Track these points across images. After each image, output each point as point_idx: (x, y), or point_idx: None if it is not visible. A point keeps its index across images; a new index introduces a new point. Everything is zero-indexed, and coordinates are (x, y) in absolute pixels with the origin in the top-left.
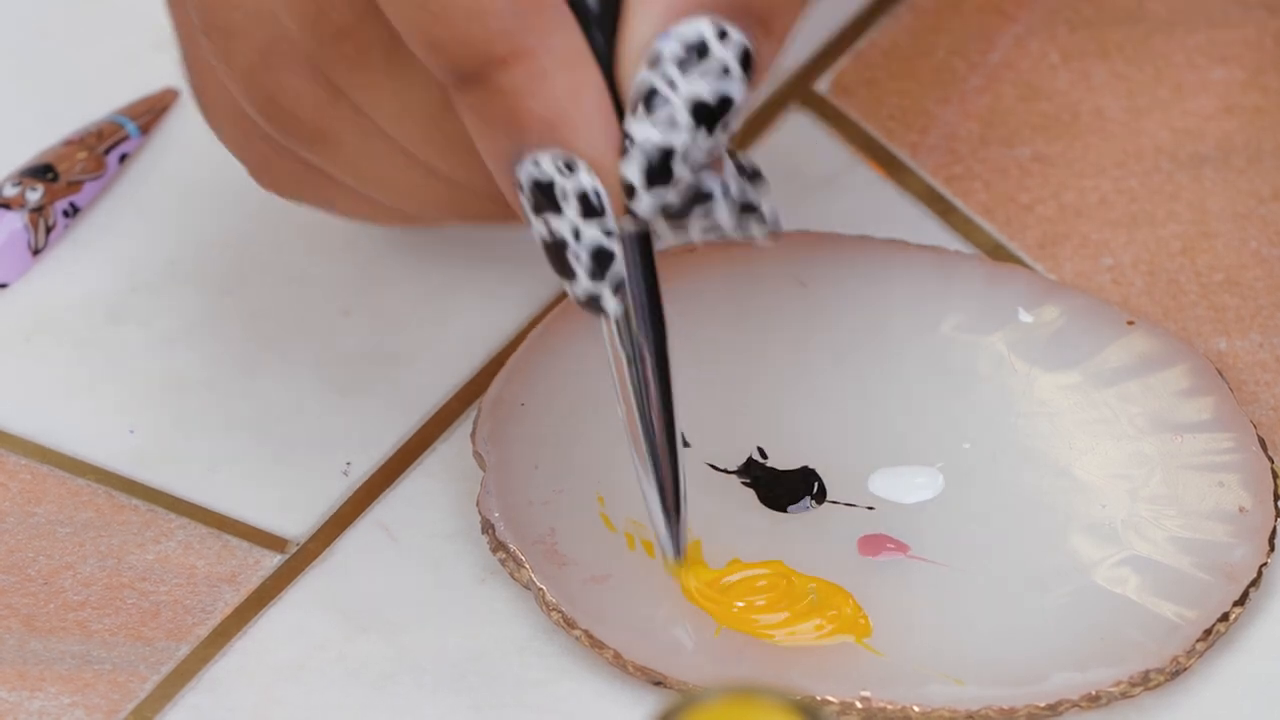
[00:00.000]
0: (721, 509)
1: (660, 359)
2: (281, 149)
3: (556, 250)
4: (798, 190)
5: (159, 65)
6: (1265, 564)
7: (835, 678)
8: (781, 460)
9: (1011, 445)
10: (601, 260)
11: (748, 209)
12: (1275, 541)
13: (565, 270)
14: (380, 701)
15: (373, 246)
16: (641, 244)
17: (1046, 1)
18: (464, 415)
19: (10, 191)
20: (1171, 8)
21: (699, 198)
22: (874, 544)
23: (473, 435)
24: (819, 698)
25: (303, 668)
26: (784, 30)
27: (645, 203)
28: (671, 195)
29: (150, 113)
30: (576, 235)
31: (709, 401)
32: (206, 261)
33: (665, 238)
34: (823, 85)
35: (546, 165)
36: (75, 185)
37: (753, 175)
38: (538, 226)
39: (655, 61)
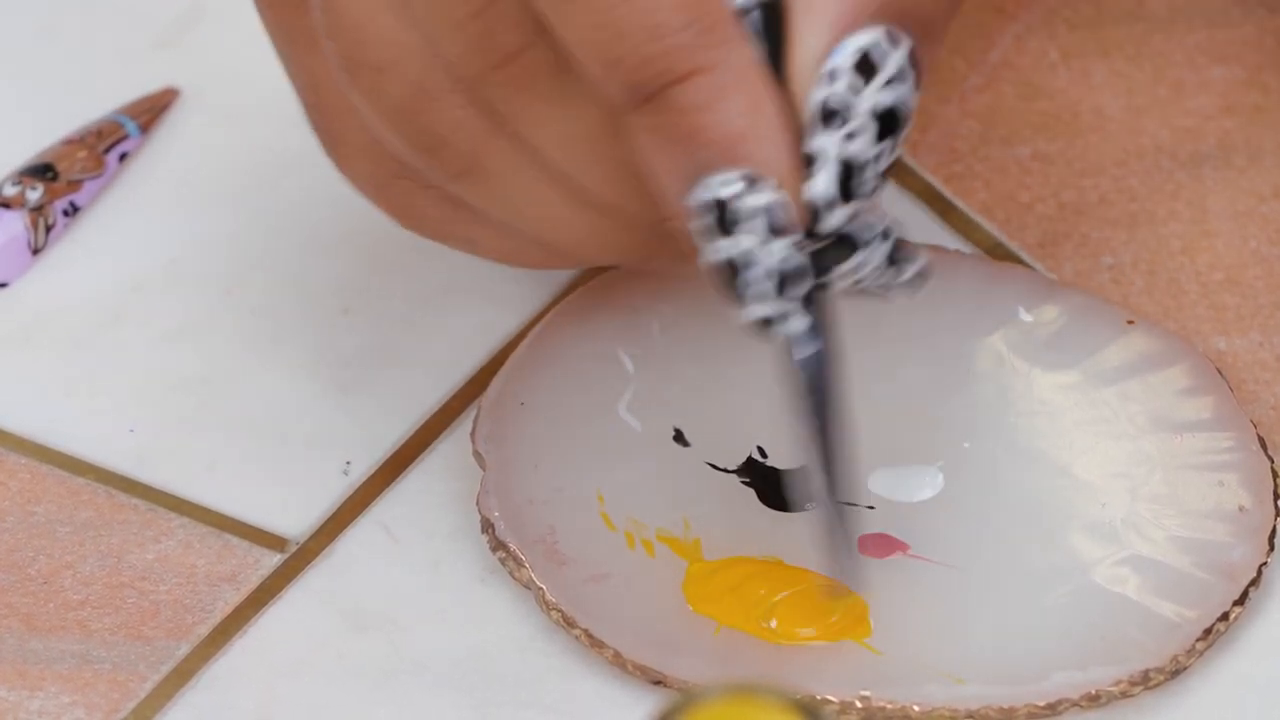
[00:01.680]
0: (721, 508)
1: (838, 380)
2: (426, 187)
3: (734, 273)
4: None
5: (159, 64)
6: (1265, 563)
7: (835, 677)
8: (781, 459)
9: (1011, 444)
10: (788, 278)
11: (893, 261)
12: (1275, 541)
13: (739, 295)
14: (380, 700)
15: (373, 246)
16: (817, 265)
17: (1046, 0)
18: (464, 414)
19: (10, 191)
20: (1171, 6)
21: (845, 244)
22: (874, 543)
23: (473, 434)
24: (818, 697)
25: (303, 667)
26: (942, 33)
27: (836, 218)
28: (858, 210)
29: (150, 112)
30: (760, 255)
31: (709, 401)
32: (206, 261)
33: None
34: None
35: (728, 184)
36: (75, 184)
37: (897, 232)
38: (716, 250)
39: (833, 75)
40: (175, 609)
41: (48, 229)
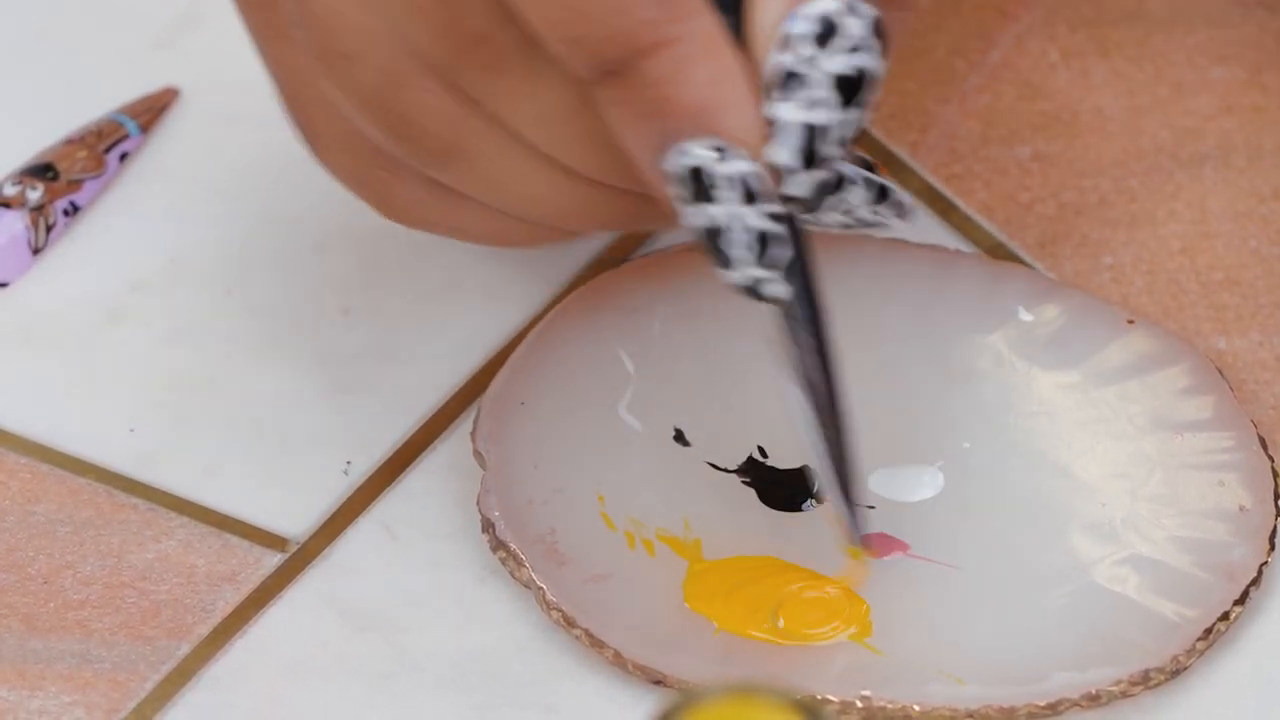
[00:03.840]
0: (721, 508)
1: (827, 341)
2: (406, 175)
3: (716, 239)
4: None
5: (159, 64)
6: (1265, 563)
7: (835, 677)
8: (782, 459)
9: (1011, 444)
10: (766, 244)
11: (881, 195)
12: (1275, 540)
13: (725, 259)
14: (380, 700)
15: (373, 245)
16: (793, 228)
17: (1046, 0)
18: (464, 414)
19: (10, 191)
20: (1171, 7)
21: (833, 185)
22: (874, 543)
23: (473, 434)
24: (819, 697)
25: (303, 667)
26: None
27: (800, 183)
28: (824, 174)
29: (150, 111)
30: (738, 221)
31: (710, 400)
32: (207, 260)
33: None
34: None
35: (699, 152)
36: (75, 184)
37: (872, 166)
38: (695, 217)
39: (788, 42)
40: (175, 609)
41: (48, 229)
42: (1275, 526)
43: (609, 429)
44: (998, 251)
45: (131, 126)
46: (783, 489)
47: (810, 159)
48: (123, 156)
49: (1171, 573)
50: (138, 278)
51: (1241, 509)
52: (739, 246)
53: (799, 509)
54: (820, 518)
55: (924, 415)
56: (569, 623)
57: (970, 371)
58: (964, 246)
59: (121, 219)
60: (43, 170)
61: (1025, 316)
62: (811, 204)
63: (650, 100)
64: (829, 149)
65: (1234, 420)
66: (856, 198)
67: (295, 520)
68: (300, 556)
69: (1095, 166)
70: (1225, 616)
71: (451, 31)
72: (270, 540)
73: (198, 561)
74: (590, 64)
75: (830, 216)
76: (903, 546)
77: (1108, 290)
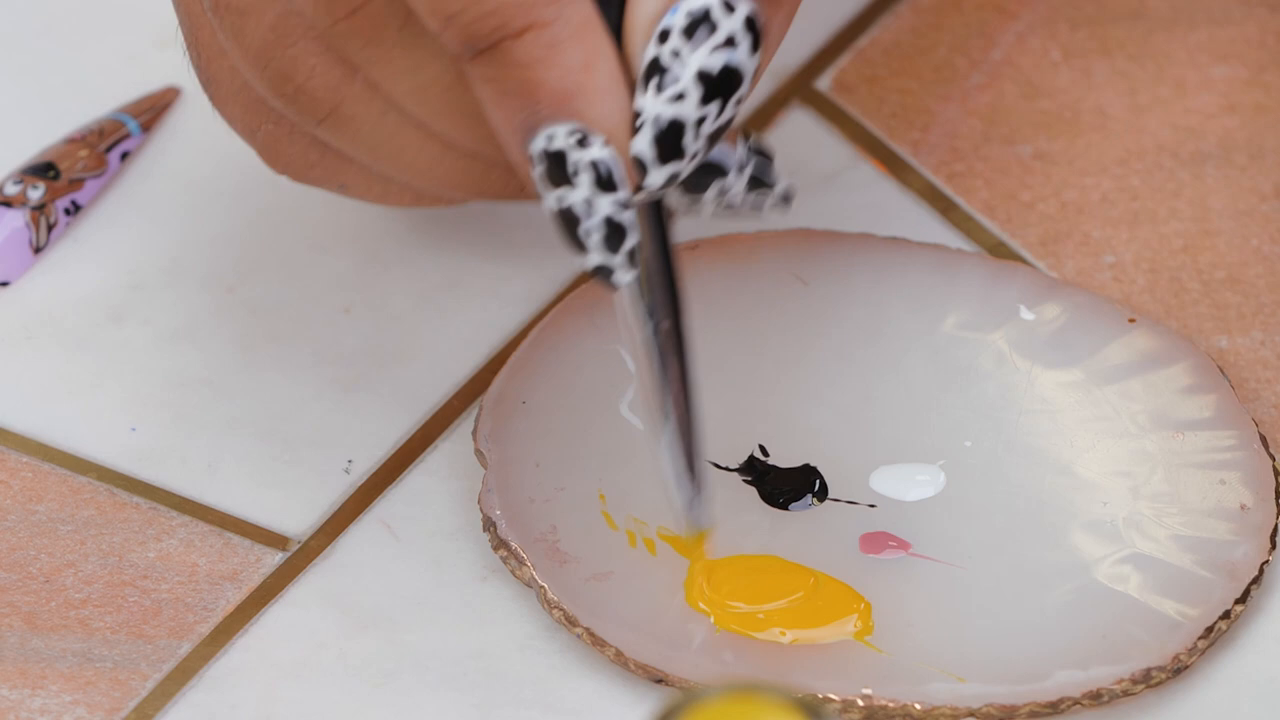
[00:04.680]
0: (723, 507)
1: (677, 330)
2: (293, 130)
3: (568, 223)
4: (799, 188)
5: (160, 63)
6: (1267, 562)
7: (837, 675)
8: (783, 458)
9: (1013, 443)
10: (616, 233)
11: (759, 184)
12: (1277, 539)
13: (576, 243)
14: (381, 699)
15: (374, 244)
16: (655, 215)
17: None
18: (465, 413)
19: (12, 189)
20: (1173, 5)
21: (712, 171)
22: (875, 542)
23: (474, 433)
24: (820, 695)
25: (304, 665)
26: (791, 1)
27: (656, 177)
28: (683, 168)
29: (152, 110)
30: (590, 208)
31: (710, 399)
32: (208, 259)
33: (677, 211)
34: (824, 83)
35: (560, 138)
36: (77, 183)
37: (764, 154)
38: (550, 200)
39: (664, 35)
40: (177, 608)
41: (49, 228)
42: (1276, 525)
43: (610, 428)
44: (999, 250)
45: (133, 125)
46: (784, 487)
47: (669, 152)
48: (124, 155)
49: (1173, 571)
50: (139, 277)
51: (1243, 508)
52: (589, 234)
53: (801, 507)
54: (822, 516)
55: (925, 414)
56: (570, 621)
57: (972, 370)
58: (966, 245)
59: (123, 218)
60: (44, 169)
61: (1027, 315)
62: (683, 187)
63: (518, 81)
64: (689, 143)
65: (1235, 419)
66: (729, 185)
67: (296, 519)
68: (301, 555)
69: (1097, 165)
70: (1227, 615)
71: None
72: (271, 539)
73: (199, 560)
74: (462, 41)
75: (703, 200)
76: (904, 545)
77: (1109, 289)
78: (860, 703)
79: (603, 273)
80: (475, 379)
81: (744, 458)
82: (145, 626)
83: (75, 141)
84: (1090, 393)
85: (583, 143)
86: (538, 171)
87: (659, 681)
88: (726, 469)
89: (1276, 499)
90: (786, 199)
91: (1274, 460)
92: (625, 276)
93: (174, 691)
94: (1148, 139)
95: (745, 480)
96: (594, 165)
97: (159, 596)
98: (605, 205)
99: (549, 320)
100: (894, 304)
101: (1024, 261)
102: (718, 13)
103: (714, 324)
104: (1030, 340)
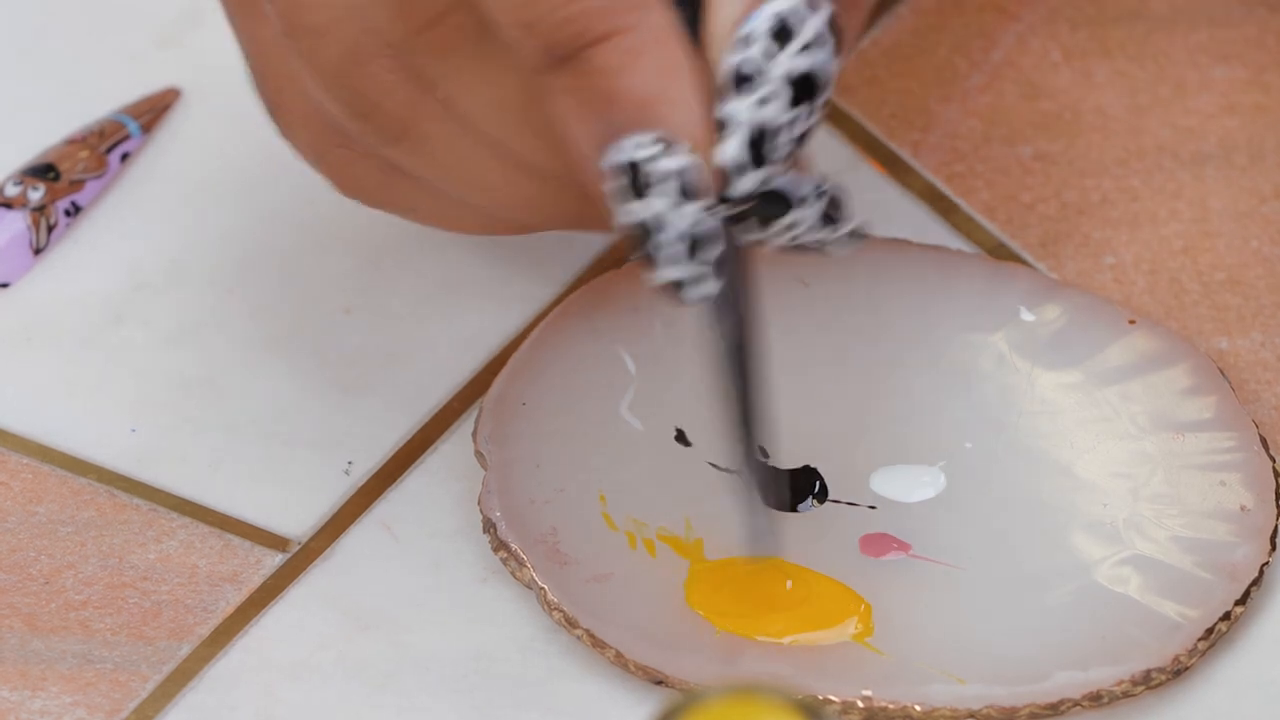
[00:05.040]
0: (723, 508)
1: (755, 344)
2: (364, 155)
3: (646, 236)
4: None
5: (161, 64)
6: (1267, 563)
7: (837, 677)
8: (783, 459)
9: (1013, 444)
10: (700, 242)
11: (829, 221)
12: (1277, 540)
13: (653, 256)
14: (381, 700)
15: (375, 245)
16: (730, 234)
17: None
18: (466, 414)
19: (12, 191)
20: (1173, 6)
21: (782, 202)
22: (876, 543)
23: (474, 434)
24: (820, 697)
25: (304, 667)
26: (866, 2)
27: (745, 183)
28: (769, 172)
29: (152, 111)
30: (670, 219)
31: (711, 400)
32: (208, 260)
33: (744, 244)
34: None
35: (641, 144)
36: (77, 184)
37: (837, 192)
38: (627, 212)
39: (747, 39)
40: (177, 609)
41: (49, 229)
42: (1277, 527)
43: (611, 429)
44: (999, 251)
45: (133, 127)
46: (784, 489)
47: (760, 156)
48: (124, 157)
49: (1173, 573)
50: (139, 278)
51: (1243, 509)
52: (669, 244)
53: (801, 509)
54: (823, 518)
55: (926, 415)
56: (570, 623)
57: (972, 371)
58: (966, 246)
59: (123, 219)
60: (44, 170)
61: (1027, 316)
62: (756, 212)
63: (597, 89)
64: (778, 150)
65: (1236, 420)
66: (806, 215)
67: (297, 520)
68: (302, 557)
69: (1097, 166)
70: (1227, 617)
71: (407, 11)
72: (272, 540)
73: (199, 562)
74: (540, 50)
75: (776, 231)
76: (904, 547)
77: (1109, 290)
78: (860, 704)
79: (680, 288)
80: (475, 380)
81: None
82: (145, 628)
83: (75, 143)
84: (1090, 394)
85: (663, 151)
86: (615, 185)
87: (659, 683)
88: (727, 470)
89: (1277, 500)
90: (856, 237)
91: (1274, 462)
92: (705, 289)
93: (174, 693)
94: (1148, 140)
95: None
96: (676, 173)
97: (159, 598)
98: (688, 215)
99: (549, 322)
100: (894, 305)
101: (1024, 263)
102: (802, 16)
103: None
104: (1030, 341)
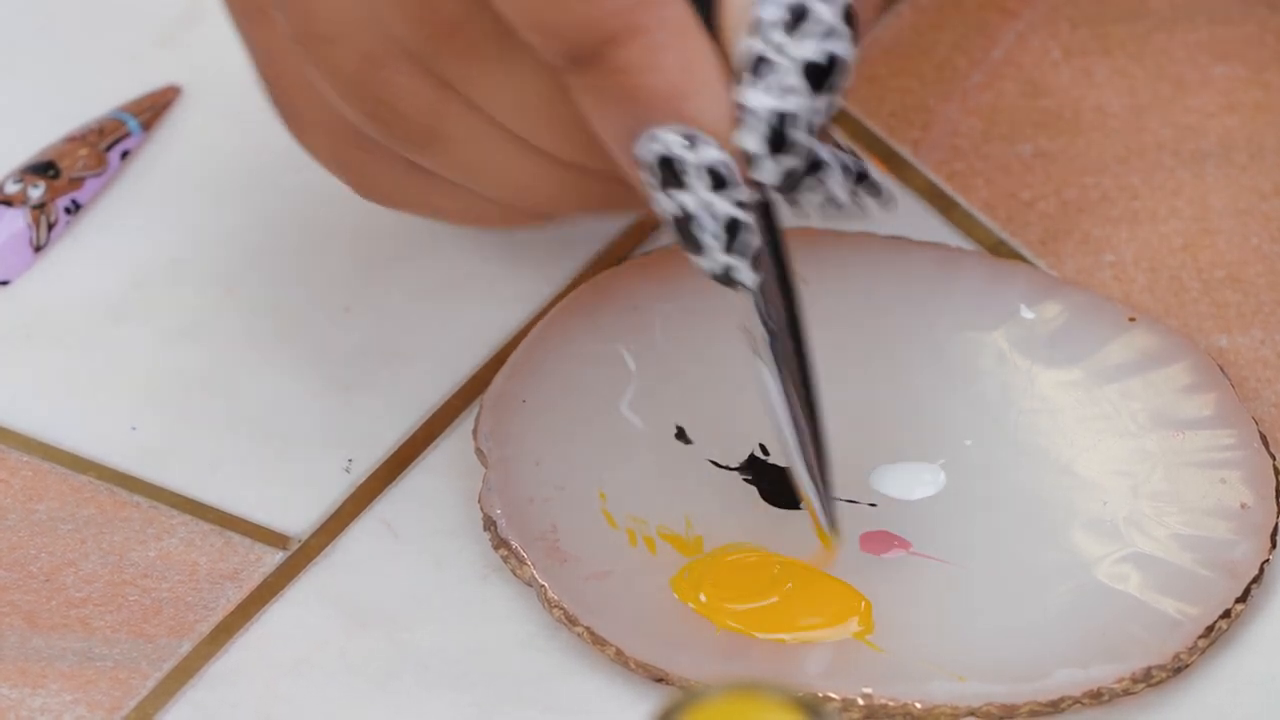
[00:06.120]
0: (723, 506)
1: (800, 329)
2: (384, 157)
3: (686, 225)
4: None
5: (160, 62)
6: (1267, 560)
7: (837, 674)
8: (784, 457)
9: (1013, 442)
10: (734, 231)
11: (860, 178)
12: (1277, 538)
13: (696, 245)
14: (382, 698)
15: (375, 243)
16: (766, 214)
17: None
18: (466, 412)
19: (12, 188)
20: (1173, 4)
21: (812, 169)
22: (876, 541)
23: (474, 432)
24: (820, 694)
25: (304, 664)
26: None
27: (769, 170)
28: (793, 161)
29: (152, 109)
30: (708, 209)
31: (711, 398)
32: (208, 258)
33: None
34: None
35: (669, 140)
36: (77, 182)
37: (852, 151)
38: (665, 203)
39: (758, 28)
40: (177, 607)
41: (49, 227)
42: (1277, 524)
43: (610, 427)
44: (999, 249)
45: (133, 124)
46: (784, 486)
47: (779, 145)
48: (124, 154)
49: (1173, 570)
50: (139, 276)
51: (1243, 506)
52: (708, 233)
53: (800, 506)
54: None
55: (926, 413)
56: (570, 620)
57: (972, 369)
58: (966, 244)
59: (123, 217)
60: (44, 168)
61: (1027, 314)
62: (785, 187)
63: (621, 87)
64: (799, 135)
65: (1235, 418)
66: (833, 181)
67: (297, 518)
68: (302, 554)
69: (1097, 164)
70: (1227, 614)
71: (426, 18)
72: (272, 538)
73: (199, 559)
74: (562, 52)
75: (808, 199)
76: (904, 544)
77: (1109, 288)
78: (860, 701)
79: (725, 274)
80: (475, 378)
81: (745, 457)
82: (146, 625)
83: (75, 140)
84: (1090, 391)
85: (691, 144)
86: (650, 179)
87: (659, 680)
88: (727, 468)
89: (1277, 498)
90: (885, 192)
91: (1274, 459)
92: (748, 276)
93: (174, 690)
94: (1148, 138)
95: (746, 479)
96: (707, 166)
97: (159, 595)
98: (724, 203)
99: (549, 319)
100: (894, 303)
101: (1024, 260)
102: (816, 2)
103: (714, 322)
104: (1030, 339)
